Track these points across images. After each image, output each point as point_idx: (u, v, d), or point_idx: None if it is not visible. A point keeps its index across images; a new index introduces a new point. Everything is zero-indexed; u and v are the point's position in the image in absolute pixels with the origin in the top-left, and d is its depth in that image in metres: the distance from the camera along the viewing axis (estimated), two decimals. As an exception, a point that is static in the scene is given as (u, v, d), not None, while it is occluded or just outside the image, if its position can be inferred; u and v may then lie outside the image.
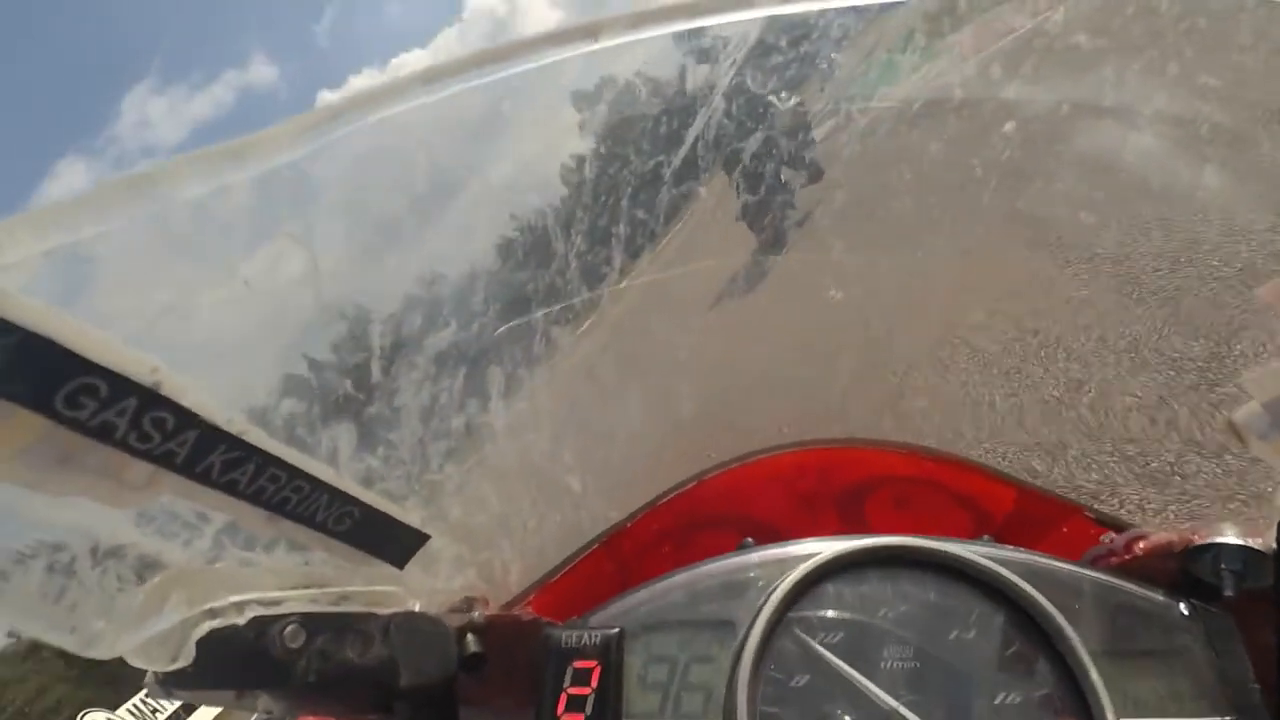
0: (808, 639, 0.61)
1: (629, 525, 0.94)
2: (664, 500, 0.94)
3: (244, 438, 0.40)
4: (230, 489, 0.40)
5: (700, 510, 0.96)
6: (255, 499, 0.42)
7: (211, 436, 0.38)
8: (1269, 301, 0.64)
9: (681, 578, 0.69)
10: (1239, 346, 2.49)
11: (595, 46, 0.49)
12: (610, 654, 0.63)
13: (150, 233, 0.37)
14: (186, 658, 0.42)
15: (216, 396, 0.39)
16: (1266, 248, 2.91)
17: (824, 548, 0.65)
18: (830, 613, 0.62)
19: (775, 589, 0.62)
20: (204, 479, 0.39)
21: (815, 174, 5.32)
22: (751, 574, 0.66)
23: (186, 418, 0.37)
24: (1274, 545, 0.62)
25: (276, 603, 0.50)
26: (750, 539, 0.73)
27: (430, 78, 0.46)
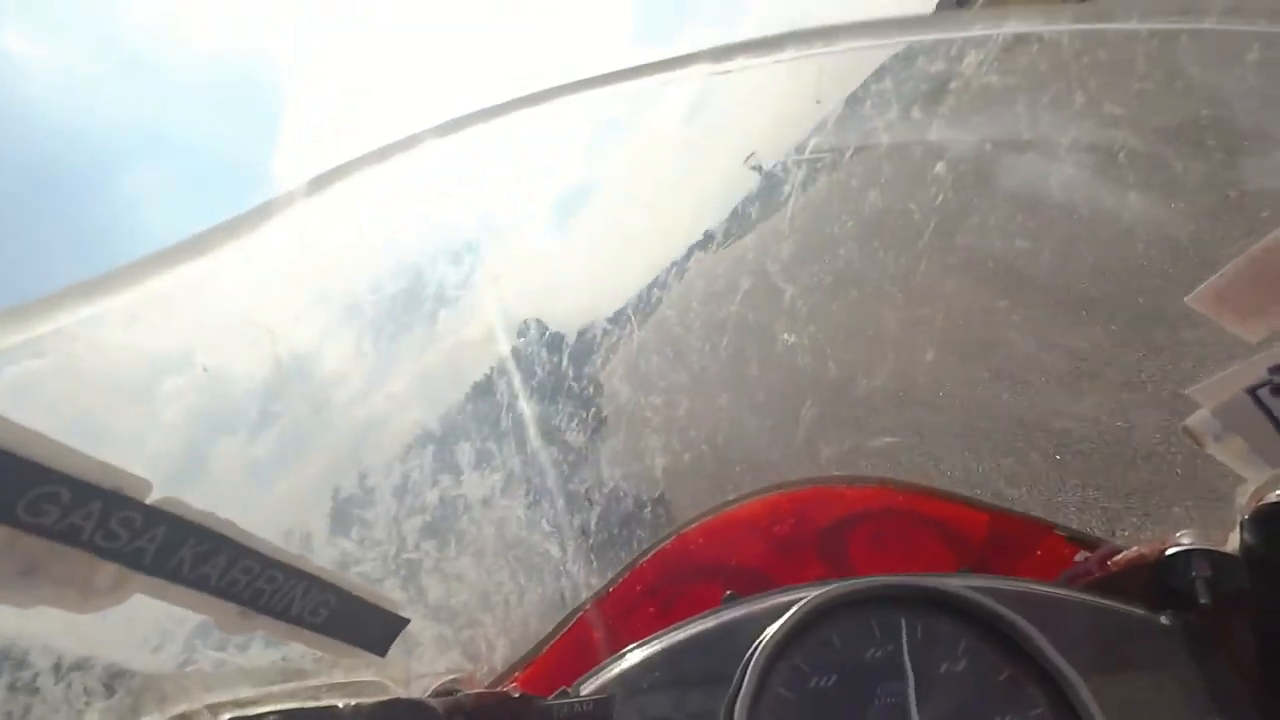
0: (802, 670, 0.60)
1: (611, 590, 0.92)
2: (644, 558, 0.93)
3: (215, 529, 0.39)
4: (201, 584, 0.39)
5: (681, 564, 0.94)
6: (228, 593, 0.41)
7: (181, 530, 0.37)
8: (1197, 308, 0.68)
9: (668, 637, 0.68)
10: (1183, 362, 2.61)
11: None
12: None
13: (113, 326, 0.37)
14: None
15: (180, 489, 0.38)
16: (1192, 258, 3.08)
17: (808, 593, 0.65)
18: (820, 657, 0.62)
19: (764, 639, 0.62)
20: (174, 576, 0.38)
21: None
22: (739, 626, 0.66)
23: (154, 514, 0.36)
24: (1239, 546, 0.64)
25: (254, 702, 0.48)
26: (732, 591, 0.72)
27: (379, 157, 0.47)
